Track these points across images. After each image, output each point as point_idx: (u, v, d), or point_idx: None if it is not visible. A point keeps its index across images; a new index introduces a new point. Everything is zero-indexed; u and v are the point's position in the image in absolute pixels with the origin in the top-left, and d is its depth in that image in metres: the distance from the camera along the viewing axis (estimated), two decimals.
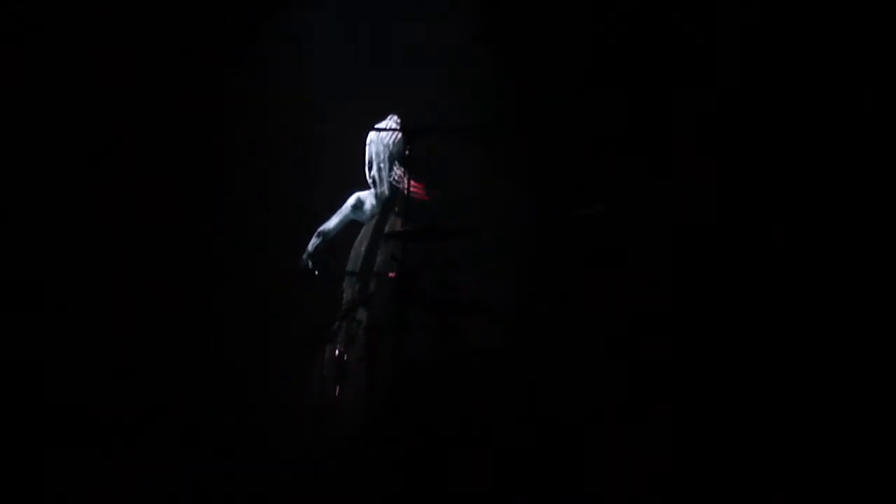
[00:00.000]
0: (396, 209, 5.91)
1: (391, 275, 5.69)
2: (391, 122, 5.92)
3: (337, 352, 5.78)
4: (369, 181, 5.99)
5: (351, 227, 6.06)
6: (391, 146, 5.92)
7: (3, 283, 6.16)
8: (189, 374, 6.15)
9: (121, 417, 5.96)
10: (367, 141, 5.97)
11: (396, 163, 5.93)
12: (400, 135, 5.88)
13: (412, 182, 5.72)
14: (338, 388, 5.73)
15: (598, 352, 5.92)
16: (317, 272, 5.96)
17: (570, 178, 6.18)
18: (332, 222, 6.04)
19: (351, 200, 6.04)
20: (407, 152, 5.69)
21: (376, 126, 5.93)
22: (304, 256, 6.00)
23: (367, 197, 6.02)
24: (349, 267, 5.93)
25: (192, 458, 5.64)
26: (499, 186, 6.25)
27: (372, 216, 5.98)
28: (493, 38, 6.32)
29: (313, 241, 6.02)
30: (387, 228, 5.89)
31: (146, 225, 6.36)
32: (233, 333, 6.30)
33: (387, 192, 5.95)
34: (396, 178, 5.92)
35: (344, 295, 5.93)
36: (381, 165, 5.93)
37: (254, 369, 6.18)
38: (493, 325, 5.81)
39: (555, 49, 6.25)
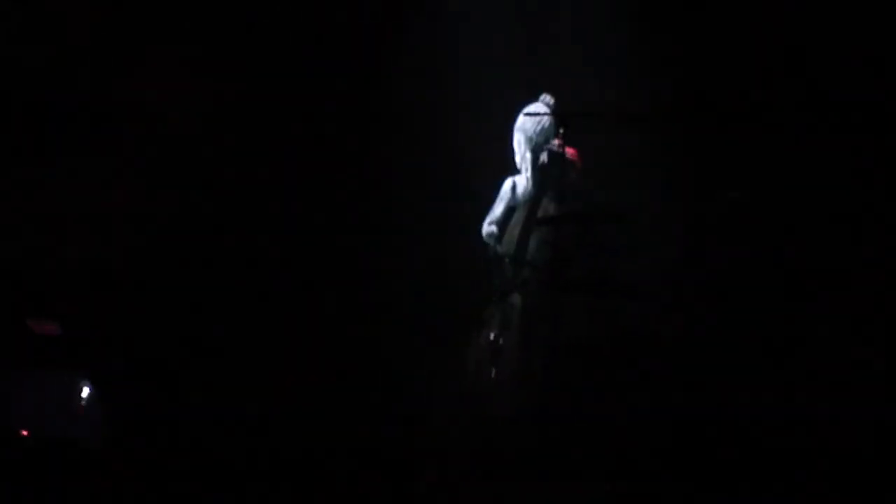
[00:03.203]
0: (549, 193, 5.90)
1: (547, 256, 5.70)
2: (542, 104, 5.92)
3: (492, 336, 5.81)
4: (518, 162, 6.00)
5: (512, 209, 6.07)
6: (534, 135, 5.91)
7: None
8: (344, 365, 6.25)
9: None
10: (515, 128, 5.97)
11: (544, 149, 5.90)
12: (545, 122, 5.87)
13: (568, 149, 5.70)
14: (493, 372, 5.77)
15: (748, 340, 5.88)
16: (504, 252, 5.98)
17: (727, 162, 6.12)
18: (498, 210, 6.01)
19: (506, 185, 6.02)
20: (561, 131, 5.69)
21: (526, 110, 5.93)
22: (492, 242, 5.98)
23: (520, 180, 6.02)
24: (502, 251, 5.94)
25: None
26: (655, 169, 6.21)
27: (525, 200, 5.98)
28: (651, 16, 6.28)
29: (489, 229, 5.99)
30: (540, 213, 5.88)
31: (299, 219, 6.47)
32: (388, 321, 6.38)
33: (530, 181, 5.94)
34: (543, 163, 5.89)
35: (499, 279, 5.95)
36: (525, 155, 5.93)
37: (410, 355, 6.26)
38: (649, 310, 5.80)
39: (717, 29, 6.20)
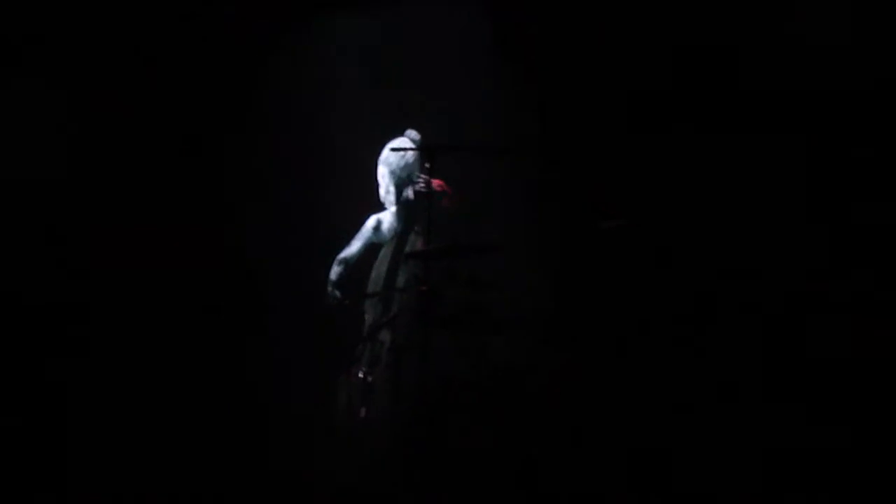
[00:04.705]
0: (417, 228, 5.86)
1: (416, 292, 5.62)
2: (407, 139, 5.89)
3: (361, 374, 5.75)
4: (383, 198, 5.96)
5: (371, 248, 6.03)
6: (398, 170, 5.88)
7: None
8: (210, 401, 6.13)
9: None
10: (379, 161, 5.93)
11: (408, 186, 5.87)
12: (409, 157, 5.84)
13: (435, 181, 5.67)
14: (363, 410, 5.70)
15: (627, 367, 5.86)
16: (347, 301, 5.93)
17: (596, 191, 6.11)
18: (354, 248, 6.01)
19: (370, 223, 6.02)
20: (427, 166, 5.67)
21: (391, 145, 5.90)
22: (330, 288, 5.96)
23: (386, 217, 5.99)
24: (370, 288, 5.89)
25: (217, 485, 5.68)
26: (523, 202, 6.19)
27: (391, 237, 5.94)
28: (514, 51, 6.26)
29: (336, 270, 5.98)
30: (407, 248, 5.85)
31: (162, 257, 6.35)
32: (255, 358, 6.28)
33: (396, 217, 5.90)
34: (408, 198, 5.85)
35: (366, 316, 5.90)
36: (389, 188, 5.90)
37: (277, 393, 6.16)
38: (521, 343, 5.77)
39: (580, 60, 6.19)
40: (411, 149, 5.82)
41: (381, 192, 5.93)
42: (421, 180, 5.73)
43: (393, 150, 5.85)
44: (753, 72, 5.88)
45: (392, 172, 5.88)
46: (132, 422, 5.98)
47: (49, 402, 6.01)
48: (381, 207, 6.00)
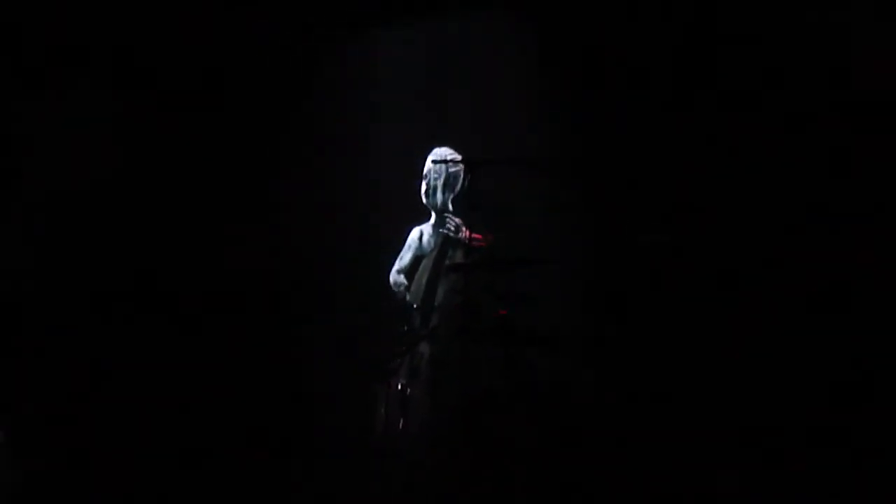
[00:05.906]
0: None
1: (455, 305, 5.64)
2: (448, 151, 5.93)
3: (400, 385, 5.77)
4: (425, 203, 5.98)
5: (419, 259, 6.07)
6: (439, 179, 5.92)
7: None
8: (251, 408, 6.19)
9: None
10: (427, 166, 5.96)
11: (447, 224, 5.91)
12: (450, 168, 5.87)
13: (471, 234, 5.70)
14: (401, 422, 5.72)
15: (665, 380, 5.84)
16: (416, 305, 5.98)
17: (635, 204, 6.09)
18: (406, 258, 6.04)
19: (414, 234, 6.04)
20: (467, 182, 5.68)
21: (432, 157, 5.94)
22: (402, 290, 6.00)
23: (426, 229, 6.01)
24: (410, 299, 5.91)
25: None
26: (562, 214, 6.19)
27: (432, 249, 5.97)
28: (556, 64, 6.26)
29: (397, 280, 6.03)
30: (447, 261, 5.87)
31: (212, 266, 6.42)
32: (295, 367, 6.33)
33: (436, 228, 5.93)
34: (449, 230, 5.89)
35: (406, 328, 5.92)
36: (435, 192, 5.92)
37: (316, 403, 6.20)
38: (559, 355, 5.77)
39: (623, 73, 6.17)
40: (451, 161, 5.84)
41: (423, 198, 5.96)
42: (452, 225, 5.81)
43: (434, 161, 5.90)
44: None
45: (435, 180, 5.91)
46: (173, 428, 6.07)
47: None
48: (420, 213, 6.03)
